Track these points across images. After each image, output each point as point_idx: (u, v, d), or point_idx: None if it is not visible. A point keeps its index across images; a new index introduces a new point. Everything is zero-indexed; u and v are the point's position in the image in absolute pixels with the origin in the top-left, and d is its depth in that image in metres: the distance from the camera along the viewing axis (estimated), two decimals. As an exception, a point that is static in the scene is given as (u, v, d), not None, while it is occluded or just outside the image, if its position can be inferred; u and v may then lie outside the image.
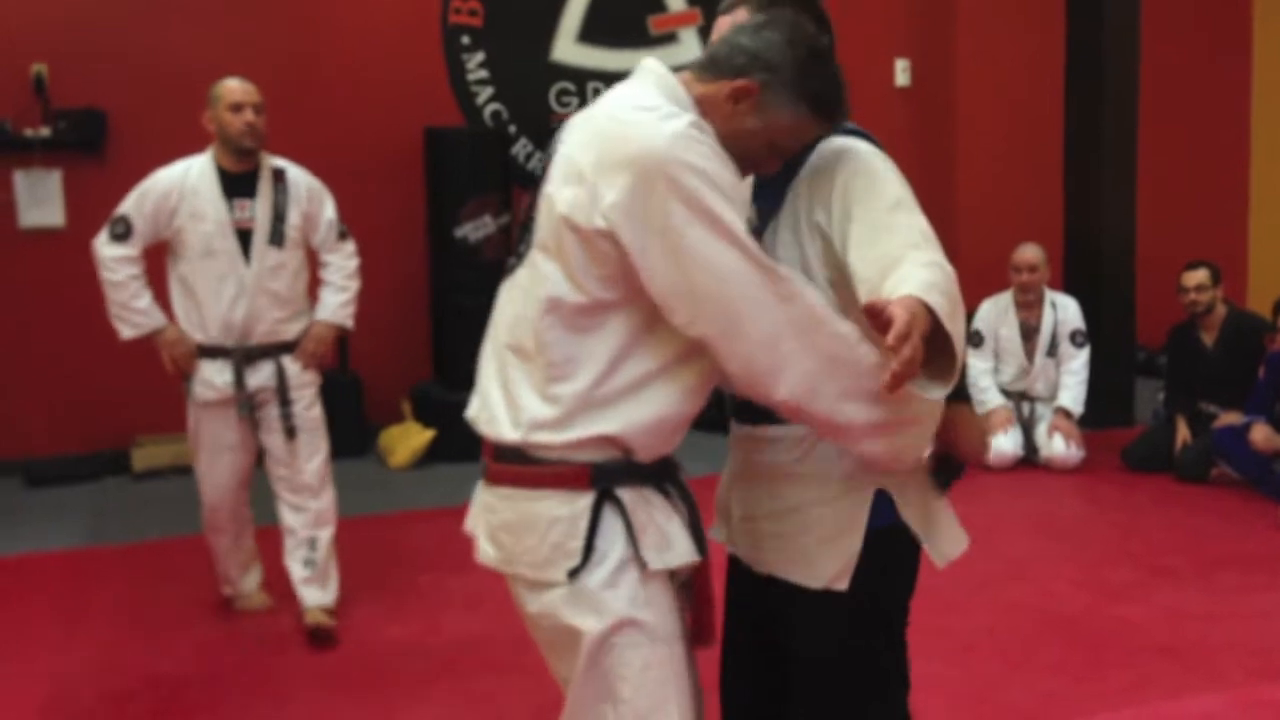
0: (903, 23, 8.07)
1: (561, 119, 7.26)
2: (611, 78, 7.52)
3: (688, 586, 1.97)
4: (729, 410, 2.20)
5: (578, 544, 1.80)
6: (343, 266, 4.31)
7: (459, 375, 6.80)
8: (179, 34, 6.67)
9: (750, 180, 2.24)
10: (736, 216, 1.73)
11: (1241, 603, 4.28)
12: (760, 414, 2.07)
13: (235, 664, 3.95)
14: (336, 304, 4.28)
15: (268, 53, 6.69)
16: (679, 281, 1.71)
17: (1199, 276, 6.02)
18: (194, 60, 6.36)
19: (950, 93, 7.98)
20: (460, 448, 6.55)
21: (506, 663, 3.81)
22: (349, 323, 4.33)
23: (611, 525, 1.81)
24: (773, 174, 2.10)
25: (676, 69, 1.90)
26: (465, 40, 7.31)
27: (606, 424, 1.80)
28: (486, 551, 1.91)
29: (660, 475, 1.88)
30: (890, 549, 2.10)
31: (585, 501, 1.80)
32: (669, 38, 7.71)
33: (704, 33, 7.73)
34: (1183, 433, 6.02)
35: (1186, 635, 3.98)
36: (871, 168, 1.98)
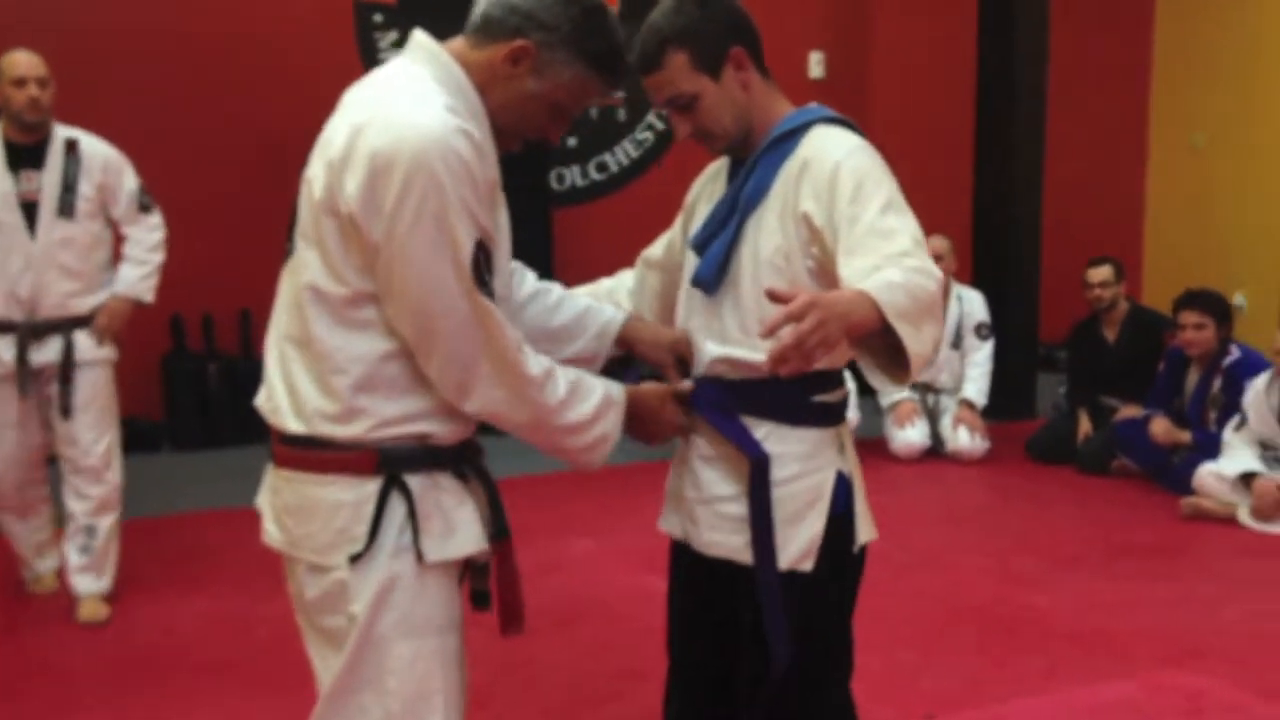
0: (817, 15, 8.11)
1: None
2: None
3: (484, 570, 1.93)
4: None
5: (362, 529, 1.77)
6: (143, 239, 4.21)
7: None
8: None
9: (723, 162, 2.24)
10: (468, 232, 1.70)
11: (1146, 591, 4.38)
12: None
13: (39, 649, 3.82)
14: (135, 277, 4.18)
15: (170, 34, 6.50)
16: (390, 281, 1.70)
17: (1103, 273, 6.15)
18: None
19: (864, 85, 8.04)
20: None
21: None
22: (148, 297, 4.23)
23: (395, 512, 1.78)
24: (749, 154, 2.10)
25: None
26: (378, 19, 7.17)
27: (390, 411, 1.77)
28: (271, 533, 1.89)
29: (457, 459, 1.85)
30: (844, 531, 2.12)
31: (371, 487, 1.77)
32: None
33: (624, 17, 7.66)
34: (1084, 425, 6.16)
35: (1094, 623, 4.06)
36: (863, 165, 1.98)
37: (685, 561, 2.27)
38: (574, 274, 8.24)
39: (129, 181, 4.16)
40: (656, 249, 2.43)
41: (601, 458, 1.97)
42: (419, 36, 1.87)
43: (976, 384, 6.37)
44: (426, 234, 1.68)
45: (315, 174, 1.75)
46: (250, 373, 6.71)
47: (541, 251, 7.03)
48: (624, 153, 7.82)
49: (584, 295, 2.29)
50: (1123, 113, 9.14)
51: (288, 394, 1.81)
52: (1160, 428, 5.65)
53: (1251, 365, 5.55)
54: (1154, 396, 5.93)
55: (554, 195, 7.44)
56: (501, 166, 1.85)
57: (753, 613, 2.12)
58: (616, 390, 1.99)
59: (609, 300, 2.37)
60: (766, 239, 2.05)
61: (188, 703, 3.48)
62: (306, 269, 1.76)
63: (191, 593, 4.35)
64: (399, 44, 7.15)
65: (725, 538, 2.14)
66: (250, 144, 6.76)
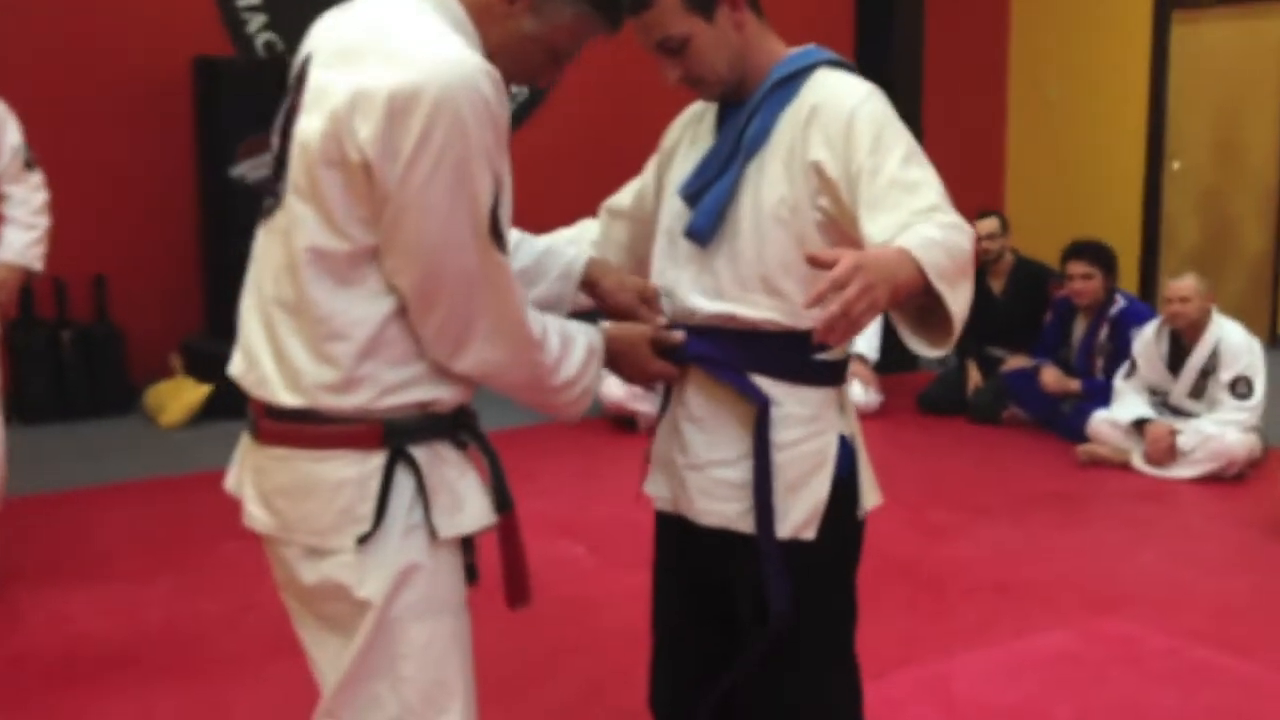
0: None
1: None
2: (396, 10, 7.11)
3: (471, 543, 1.78)
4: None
5: (368, 507, 1.60)
6: (28, 200, 3.86)
7: (236, 324, 6.31)
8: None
9: (704, 104, 2.07)
10: (487, 182, 1.56)
11: (1060, 539, 4.43)
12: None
13: None
14: (22, 244, 3.85)
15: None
16: (398, 228, 1.54)
17: (990, 225, 6.21)
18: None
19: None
20: (239, 402, 6.11)
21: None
22: (37, 264, 3.91)
23: (404, 487, 1.62)
24: (743, 99, 1.95)
25: None
26: (237, -34, 6.74)
27: (392, 378, 1.61)
28: (258, 517, 1.69)
29: (456, 427, 1.71)
30: (847, 497, 2.00)
31: (376, 461, 1.61)
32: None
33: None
34: (974, 377, 6.23)
35: (1018, 573, 4.07)
36: (880, 113, 1.85)
37: (675, 532, 2.12)
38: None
39: (12, 135, 3.78)
40: (623, 198, 2.26)
41: (584, 409, 1.85)
42: None
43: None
44: (445, 181, 1.51)
45: (310, 125, 1.55)
46: (107, 340, 6.33)
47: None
48: (498, 106, 7.55)
49: (542, 240, 2.11)
50: (977, 68, 9.28)
51: (277, 364, 1.62)
52: (1051, 377, 5.73)
53: (1137, 314, 5.68)
54: (1041, 346, 6.02)
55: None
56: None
57: (751, 585, 1.98)
58: (595, 337, 1.85)
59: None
60: (770, 188, 1.90)
61: (100, 699, 3.19)
62: (302, 228, 1.56)
63: (73, 579, 4.01)
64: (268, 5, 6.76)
65: (720, 505, 1.99)
66: (105, 98, 6.28)
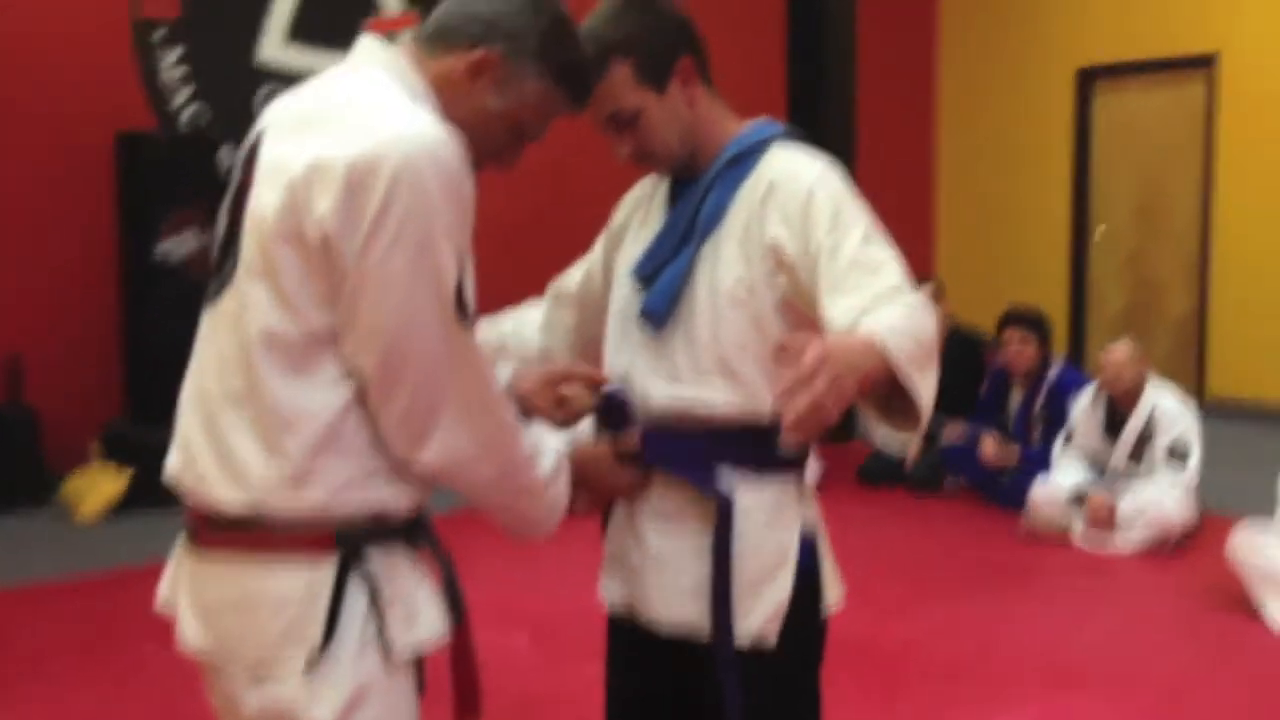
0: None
1: (269, 125, 6.81)
2: (324, 83, 7.03)
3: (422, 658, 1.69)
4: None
5: (316, 626, 1.48)
6: None
7: (159, 410, 6.10)
8: None
9: (655, 182, 2.01)
10: (451, 257, 1.47)
11: (1009, 616, 4.38)
12: None
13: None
14: None
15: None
16: (359, 304, 1.44)
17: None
18: None
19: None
20: (164, 492, 5.90)
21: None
22: None
23: (356, 600, 1.50)
24: (696, 175, 1.89)
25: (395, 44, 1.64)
26: (159, 35, 6.61)
27: (345, 474, 1.49)
28: (192, 637, 1.56)
29: (412, 530, 1.60)
30: (809, 596, 1.92)
31: (325, 572, 1.49)
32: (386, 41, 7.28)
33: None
34: (912, 447, 6.20)
35: (970, 652, 4.01)
36: (838, 191, 1.79)
37: (630, 638, 2.02)
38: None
39: None
40: (571, 281, 2.18)
41: (553, 526, 1.72)
42: (370, 42, 1.62)
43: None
44: (406, 256, 1.42)
45: (267, 194, 1.46)
46: (21, 424, 6.08)
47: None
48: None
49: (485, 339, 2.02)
50: (908, 141, 9.41)
51: (220, 461, 1.50)
52: (990, 449, 5.73)
53: (1073, 381, 5.70)
54: (979, 415, 6.02)
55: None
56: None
57: (716, 694, 1.88)
58: (564, 449, 1.75)
59: (515, 341, 2.14)
60: (726, 269, 1.83)
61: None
62: (255, 310, 1.46)
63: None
64: (183, 62, 6.65)
65: (680, 610, 1.90)
66: (25, 172, 6.11)
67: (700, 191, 1.88)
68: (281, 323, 1.45)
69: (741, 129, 1.92)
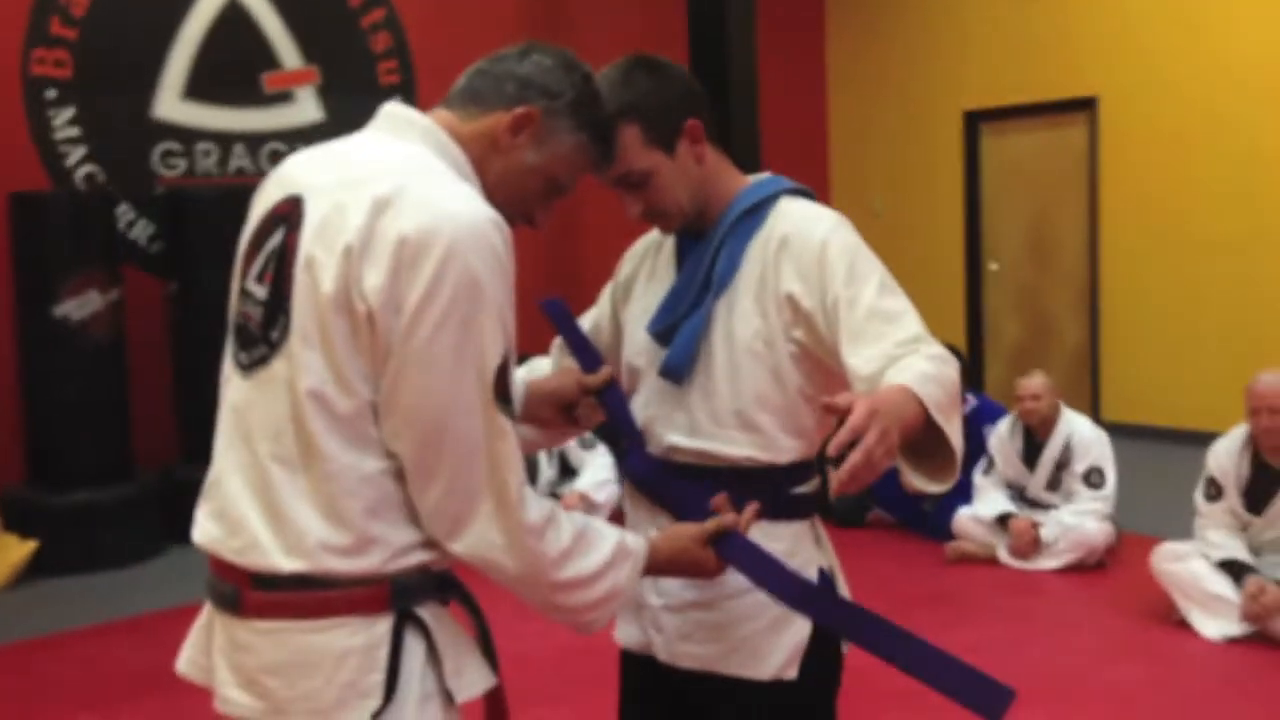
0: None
1: (168, 183, 6.67)
2: (223, 138, 6.93)
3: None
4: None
5: (377, 679, 1.47)
6: None
7: (62, 474, 5.94)
8: None
9: (659, 236, 2.02)
10: (496, 340, 1.47)
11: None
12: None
13: None
14: None
15: None
16: (400, 387, 1.44)
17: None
18: None
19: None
20: (69, 558, 5.71)
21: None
22: None
23: (414, 652, 1.50)
24: (705, 230, 1.92)
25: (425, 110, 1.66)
26: (51, 94, 6.44)
27: (401, 539, 1.49)
28: (238, 701, 1.51)
29: (452, 586, 1.61)
30: (827, 636, 1.92)
31: (384, 627, 1.48)
32: (284, 96, 7.21)
33: (323, 92, 7.30)
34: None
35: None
36: (851, 243, 1.83)
37: (647, 676, 2.01)
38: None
39: None
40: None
41: (607, 617, 1.65)
42: (401, 110, 1.62)
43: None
44: (452, 338, 1.42)
45: (322, 260, 1.44)
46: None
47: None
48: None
49: None
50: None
51: (272, 526, 1.47)
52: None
53: (989, 412, 5.85)
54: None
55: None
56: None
57: None
58: (636, 541, 1.69)
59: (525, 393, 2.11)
60: (743, 323, 1.85)
61: None
62: (308, 376, 1.45)
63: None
64: (77, 121, 6.49)
65: (699, 648, 1.91)
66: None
67: (712, 246, 1.89)
68: (334, 392, 1.44)
69: (747, 183, 1.95)
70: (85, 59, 6.53)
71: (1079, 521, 5.20)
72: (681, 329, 1.89)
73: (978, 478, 5.57)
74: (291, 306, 1.47)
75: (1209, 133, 7.54)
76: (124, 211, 6.65)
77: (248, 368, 1.53)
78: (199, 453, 6.56)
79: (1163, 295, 7.87)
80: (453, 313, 1.41)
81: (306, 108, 7.27)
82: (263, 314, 1.51)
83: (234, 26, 6.98)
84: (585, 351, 2.00)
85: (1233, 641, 4.23)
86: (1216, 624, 4.30)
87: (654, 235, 2.07)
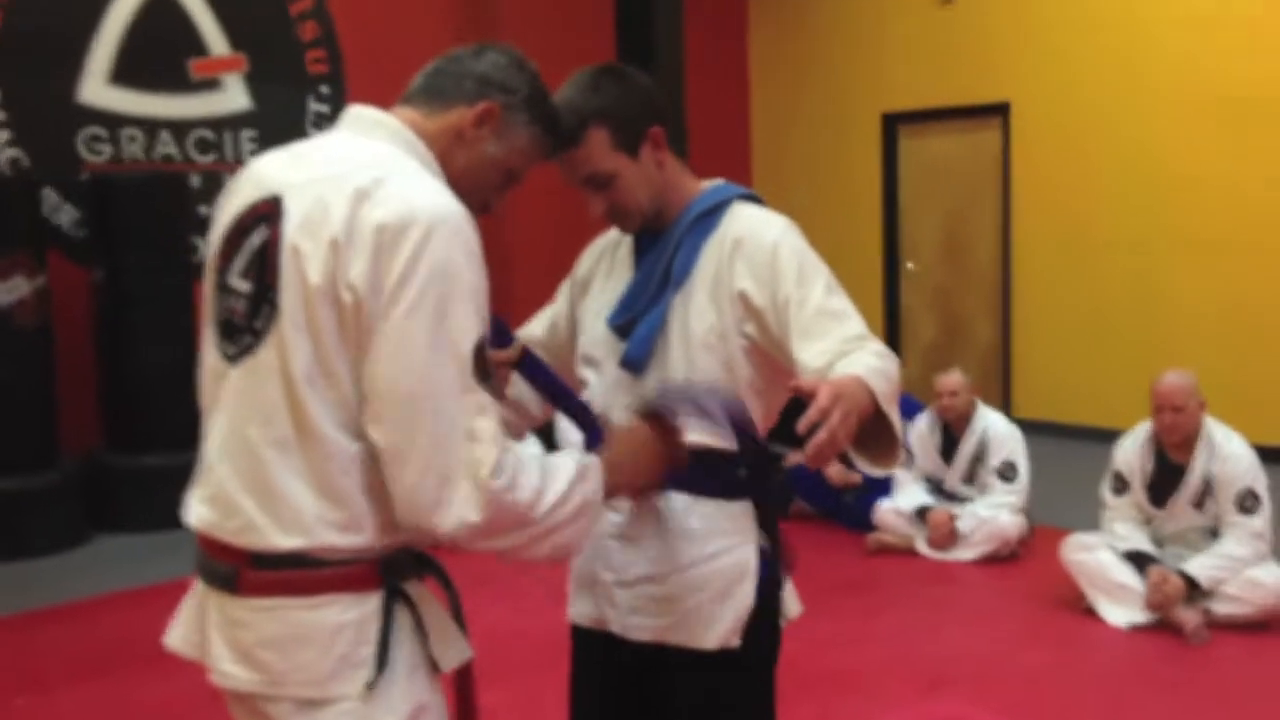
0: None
1: (94, 168, 6.61)
2: (150, 124, 6.89)
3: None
4: None
5: (368, 651, 1.57)
6: None
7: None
8: None
9: (616, 236, 2.13)
10: (472, 322, 1.54)
11: (870, 626, 4.63)
12: None
13: None
14: None
15: None
16: (379, 371, 1.51)
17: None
18: None
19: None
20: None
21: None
22: None
23: (403, 626, 1.61)
24: (661, 230, 2.04)
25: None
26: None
27: (389, 515, 1.57)
28: (235, 675, 1.59)
29: (430, 564, 1.71)
30: (765, 606, 2.07)
31: (374, 602, 1.58)
32: (211, 83, 7.17)
33: (250, 79, 7.27)
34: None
35: (841, 662, 4.22)
36: (799, 246, 1.98)
37: (598, 650, 2.14)
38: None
39: None
40: (536, 328, 2.29)
41: (584, 536, 1.70)
42: (365, 110, 1.73)
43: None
44: (427, 320, 1.49)
45: (308, 251, 1.52)
46: None
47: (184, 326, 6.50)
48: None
49: None
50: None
51: (266, 507, 1.55)
52: (834, 470, 6.01)
53: (908, 408, 6.04)
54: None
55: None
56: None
57: (685, 695, 2.04)
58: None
59: None
60: (698, 317, 1.99)
61: None
62: (299, 360, 1.52)
63: None
64: (1, 104, 6.39)
65: (649, 620, 2.04)
66: None
67: (670, 246, 2.02)
68: (321, 379, 1.52)
69: (702, 188, 2.09)
70: (10, 41, 6.44)
71: (994, 514, 5.42)
72: (641, 323, 2.01)
73: (897, 471, 5.77)
74: (279, 296, 1.54)
75: (1115, 138, 7.86)
76: (48, 196, 6.57)
77: (234, 358, 1.60)
78: (123, 441, 6.53)
79: (1070, 295, 8.18)
80: (428, 294, 1.48)
81: (234, 95, 7.24)
82: (247, 306, 1.58)
83: (161, 11, 6.93)
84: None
85: (1137, 628, 4.46)
86: (1122, 612, 4.54)
87: (611, 235, 2.19)
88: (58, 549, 5.90)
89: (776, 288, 1.92)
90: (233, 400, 1.60)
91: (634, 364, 2.01)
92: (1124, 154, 7.81)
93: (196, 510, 1.65)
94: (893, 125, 9.14)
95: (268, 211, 1.59)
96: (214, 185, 7.13)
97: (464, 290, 1.52)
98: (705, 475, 2.01)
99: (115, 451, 6.42)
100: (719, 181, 2.11)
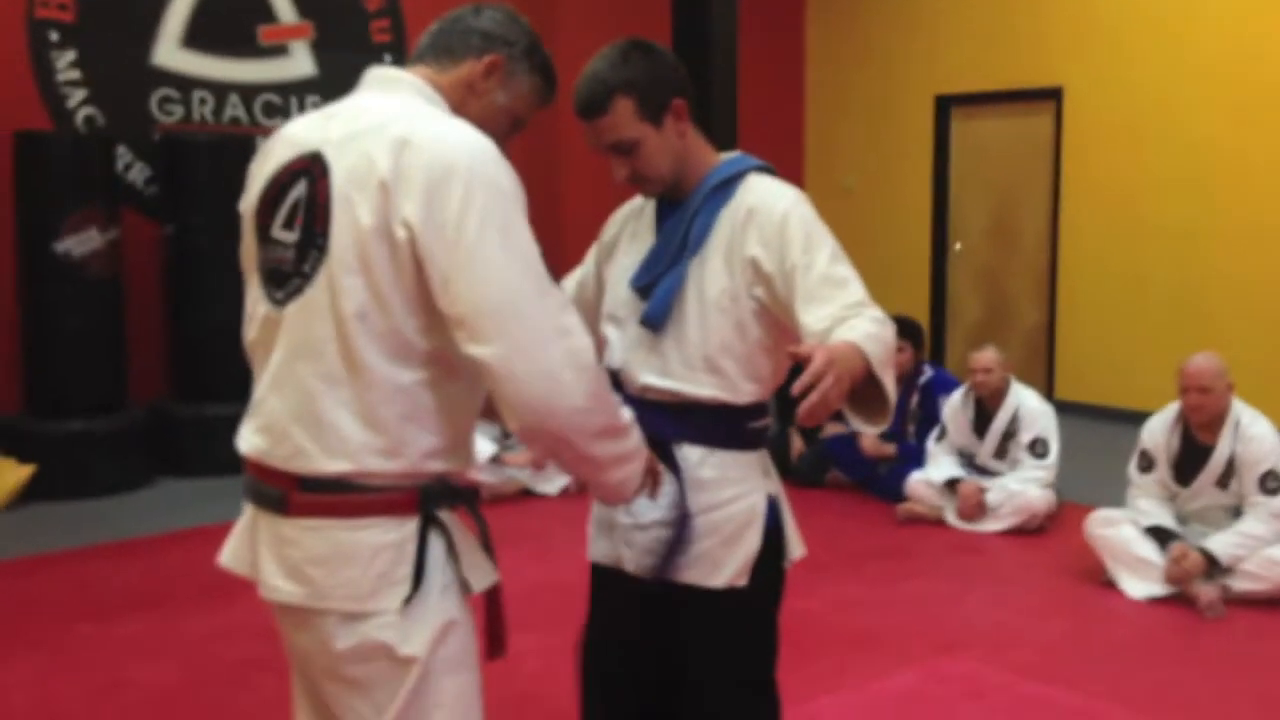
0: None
1: (166, 129, 6.87)
2: (219, 87, 7.14)
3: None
4: None
5: (406, 570, 1.72)
6: None
7: (60, 403, 6.18)
8: None
9: (642, 201, 2.31)
10: (530, 235, 1.70)
11: (893, 591, 4.78)
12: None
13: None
14: None
15: None
16: (464, 294, 1.64)
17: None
18: None
19: (553, 112, 8.22)
20: (65, 483, 5.97)
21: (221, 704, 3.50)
22: None
23: (436, 549, 1.76)
24: (681, 198, 2.21)
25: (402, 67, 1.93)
26: (54, 36, 6.63)
27: (426, 444, 1.74)
28: (283, 589, 1.76)
29: (463, 496, 1.86)
30: (774, 549, 2.23)
31: (411, 526, 1.74)
32: (279, 50, 7.41)
33: (316, 46, 7.50)
34: (797, 444, 6.60)
35: (862, 623, 4.38)
36: (808, 216, 2.12)
37: (614, 586, 2.31)
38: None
39: None
40: (566, 287, 2.45)
41: (635, 476, 1.87)
42: (383, 70, 1.90)
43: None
44: (496, 238, 1.65)
45: (357, 199, 1.67)
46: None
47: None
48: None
49: None
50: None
51: (315, 435, 1.71)
52: (869, 442, 6.16)
53: (944, 383, 6.17)
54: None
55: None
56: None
57: (692, 630, 2.21)
58: None
59: None
60: (712, 280, 2.15)
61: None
62: (350, 299, 1.67)
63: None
64: (79, 64, 6.68)
65: (663, 560, 2.20)
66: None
67: (688, 213, 2.19)
68: (375, 311, 1.67)
69: (719, 159, 2.25)
70: (88, 4, 6.70)
71: (1022, 488, 5.54)
72: (660, 284, 2.18)
73: (930, 444, 5.90)
74: (328, 242, 1.68)
75: (1165, 125, 7.89)
76: (122, 154, 6.85)
77: (282, 302, 1.74)
78: (187, 389, 6.80)
79: (1117, 280, 8.22)
80: (489, 217, 1.64)
81: (300, 61, 7.47)
82: (294, 254, 1.73)
83: (233, -22, 7.17)
84: None
85: (1155, 601, 4.58)
86: (1141, 585, 4.65)
87: (636, 202, 2.36)
88: (123, 489, 6.20)
89: (784, 255, 2.07)
90: (283, 340, 1.75)
91: (653, 322, 2.18)
92: (1174, 140, 7.84)
93: (249, 439, 1.80)
94: (946, 108, 9.21)
95: (305, 167, 1.74)
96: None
97: (517, 206, 1.69)
98: (717, 429, 2.18)
99: (179, 400, 6.70)
100: (736, 154, 2.26)
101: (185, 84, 7.06)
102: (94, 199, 6.21)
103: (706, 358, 2.14)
